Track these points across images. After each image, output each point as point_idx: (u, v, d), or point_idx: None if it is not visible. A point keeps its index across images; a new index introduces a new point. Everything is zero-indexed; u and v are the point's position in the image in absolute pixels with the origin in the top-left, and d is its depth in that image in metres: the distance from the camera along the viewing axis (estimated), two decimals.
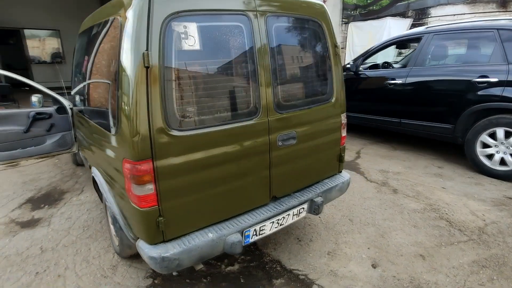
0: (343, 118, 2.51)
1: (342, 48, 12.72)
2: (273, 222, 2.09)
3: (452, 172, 4.11)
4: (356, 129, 6.24)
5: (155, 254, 1.67)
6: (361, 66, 5.42)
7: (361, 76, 5.30)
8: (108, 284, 2.24)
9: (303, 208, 2.26)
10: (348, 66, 5.39)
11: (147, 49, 1.51)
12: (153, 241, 1.71)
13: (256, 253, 2.57)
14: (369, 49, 5.35)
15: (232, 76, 1.86)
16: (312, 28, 2.23)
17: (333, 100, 2.39)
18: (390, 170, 4.22)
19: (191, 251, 1.74)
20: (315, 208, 2.29)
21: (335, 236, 2.76)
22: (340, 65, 2.41)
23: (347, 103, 5.42)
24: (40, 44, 13.36)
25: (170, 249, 1.70)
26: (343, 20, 12.65)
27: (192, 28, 1.65)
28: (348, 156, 4.79)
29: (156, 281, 2.27)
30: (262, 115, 1.96)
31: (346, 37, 12.81)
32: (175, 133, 1.64)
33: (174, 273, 2.34)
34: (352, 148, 5.21)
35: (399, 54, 7.70)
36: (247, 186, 2.01)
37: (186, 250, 1.72)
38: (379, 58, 6.56)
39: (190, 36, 1.65)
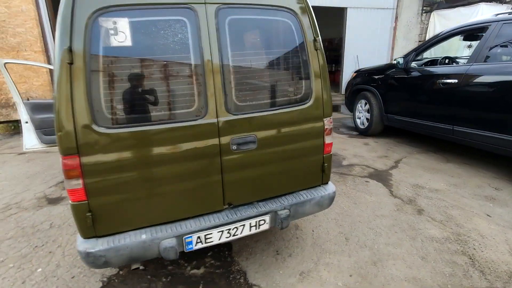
0: (327, 123, 2.19)
1: (420, 41, 11.26)
2: (222, 231, 1.94)
3: (510, 197, 3.27)
4: (405, 134, 5.49)
5: (82, 248, 1.70)
6: (413, 62, 4.69)
7: (412, 73, 4.59)
8: (80, 267, 2.39)
9: (264, 220, 2.05)
10: (395, 62, 4.72)
11: (70, 46, 1.52)
12: (85, 235, 1.75)
13: (227, 260, 2.45)
14: (423, 43, 4.59)
15: (171, 74, 1.75)
16: (281, 20, 1.97)
17: (311, 102, 2.09)
18: (427, 186, 3.57)
19: (119, 250, 1.73)
20: (278, 222, 2.06)
21: (319, 255, 2.45)
22: (323, 62, 2.09)
23: (394, 103, 4.77)
24: None
25: (97, 246, 1.71)
26: (424, 8, 11.16)
27: (122, 23, 1.60)
28: (382, 165, 4.22)
29: (121, 272, 2.34)
30: (209, 115, 1.82)
31: (427, 28, 11.29)
32: (103, 130, 1.63)
33: (141, 267, 2.39)
34: (392, 156, 4.58)
35: (469, 47, 6.45)
36: (193, 190, 1.90)
37: (113, 248, 1.72)
38: (446, 52, 5.61)
39: (120, 32, 1.60)
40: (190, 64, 1.76)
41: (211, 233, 1.92)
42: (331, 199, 2.26)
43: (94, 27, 1.56)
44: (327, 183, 2.34)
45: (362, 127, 5.68)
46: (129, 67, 1.66)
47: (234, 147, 1.92)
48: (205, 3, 1.75)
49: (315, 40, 2.04)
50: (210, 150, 1.87)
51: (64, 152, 1.60)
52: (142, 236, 1.79)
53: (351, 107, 5.99)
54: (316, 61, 2.06)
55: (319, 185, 2.32)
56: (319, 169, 2.25)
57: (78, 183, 1.65)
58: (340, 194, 3.41)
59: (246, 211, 2.02)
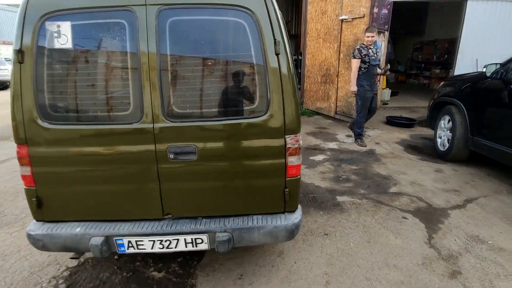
0: (291, 141, 1.83)
1: None
2: (153, 241, 1.87)
3: None
4: (504, 166, 4.15)
5: (27, 228, 1.90)
6: None
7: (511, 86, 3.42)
8: None
9: (201, 239, 1.87)
10: (485, 70, 3.60)
11: (20, 47, 1.70)
12: (35, 217, 1.94)
13: (189, 271, 2.35)
14: None
15: (108, 76, 1.75)
16: (233, 20, 1.72)
17: (267, 115, 1.78)
18: (490, 242, 2.62)
19: (54, 238, 1.86)
20: (215, 245, 1.85)
21: None
22: (287, 69, 1.74)
23: (483, 123, 3.65)
24: None
25: (38, 230, 1.88)
26: None
27: (65, 27, 1.69)
28: (443, 201, 3.31)
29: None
30: (145, 120, 1.76)
31: None
32: (46, 125, 1.77)
33: (116, 256, 2.53)
34: (467, 191, 3.54)
35: None
36: (130, 194, 1.89)
37: (49, 235, 1.86)
38: None
39: (63, 35, 1.70)
40: (127, 67, 1.74)
41: (142, 240, 1.87)
42: (289, 231, 1.89)
43: (41, 31, 1.69)
44: (293, 211, 1.98)
45: (441, 149, 4.58)
46: (69, 68, 1.75)
47: (172, 156, 1.81)
48: (145, 5, 1.69)
49: (275, 43, 1.72)
50: (146, 156, 1.81)
51: (17, 141, 1.81)
52: (77, 229, 1.88)
53: (433, 123, 4.91)
54: (275, 67, 1.73)
55: (282, 213, 1.97)
56: (279, 194, 1.91)
57: (27, 170, 1.84)
58: (358, 226, 2.83)
59: (183, 226, 1.89)
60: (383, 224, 2.88)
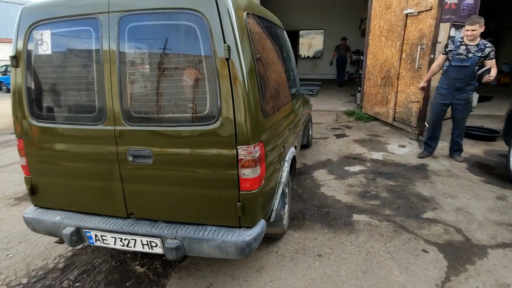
0: (244, 152, 1.69)
1: None
2: (115, 238, 1.96)
3: None
4: None
5: (24, 211, 2.19)
6: None
7: None
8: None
9: (156, 243, 1.88)
10: None
11: (15, 53, 1.96)
12: (32, 202, 2.23)
13: (167, 271, 2.39)
14: None
15: (78, 81, 1.89)
16: (185, 24, 1.66)
17: (217, 124, 1.68)
18: None
19: (39, 223, 2.11)
20: (164, 251, 1.84)
21: None
22: (239, 75, 1.61)
23: None
24: (306, 42, 15.93)
25: (30, 213, 2.15)
26: None
27: (46, 35, 1.89)
28: (488, 237, 2.67)
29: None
30: (108, 123, 1.85)
31: None
32: (34, 122, 2.02)
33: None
34: None
35: None
36: (98, 190, 2.02)
37: (36, 220, 2.12)
38: None
39: (45, 42, 1.90)
40: (93, 72, 1.85)
41: (105, 236, 1.98)
42: (238, 248, 1.76)
43: (30, 39, 1.93)
44: (249, 227, 1.83)
45: None
46: (49, 73, 1.95)
47: (130, 158, 1.87)
48: (108, 12, 1.76)
49: (224, 47, 1.60)
50: (109, 157, 1.91)
51: (16, 135, 2.11)
52: (56, 217, 2.09)
53: (509, 138, 3.98)
54: (225, 73, 1.62)
55: (239, 228, 1.85)
56: (232, 207, 1.79)
57: (24, 161, 2.13)
58: (360, 252, 2.47)
59: (141, 227, 1.93)
60: (392, 254, 2.45)
